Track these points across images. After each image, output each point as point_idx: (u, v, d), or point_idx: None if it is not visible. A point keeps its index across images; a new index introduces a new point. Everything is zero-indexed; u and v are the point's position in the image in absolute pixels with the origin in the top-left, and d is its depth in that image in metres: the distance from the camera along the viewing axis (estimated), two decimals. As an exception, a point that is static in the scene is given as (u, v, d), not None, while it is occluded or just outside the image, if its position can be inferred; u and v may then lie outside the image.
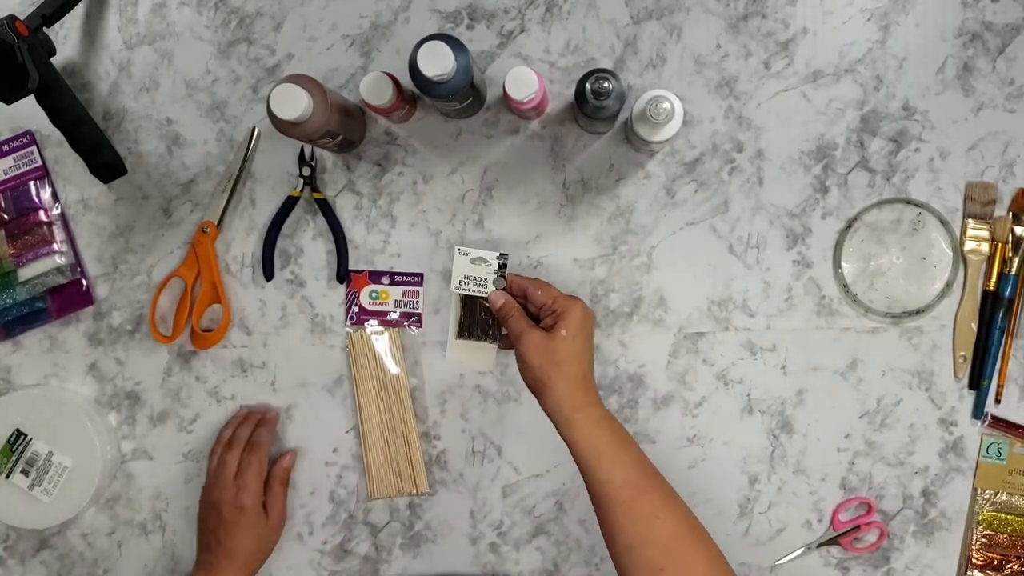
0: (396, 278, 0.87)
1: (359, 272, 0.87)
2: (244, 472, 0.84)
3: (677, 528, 0.70)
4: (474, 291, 0.80)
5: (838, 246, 0.84)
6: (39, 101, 0.82)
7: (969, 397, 0.84)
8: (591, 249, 0.86)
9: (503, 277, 0.80)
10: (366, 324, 0.88)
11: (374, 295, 0.87)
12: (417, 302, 0.87)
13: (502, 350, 0.84)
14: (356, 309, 0.87)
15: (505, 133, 0.86)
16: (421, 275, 0.87)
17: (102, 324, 0.90)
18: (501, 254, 0.80)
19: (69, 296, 0.90)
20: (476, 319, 0.83)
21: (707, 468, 0.86)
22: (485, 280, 0.80)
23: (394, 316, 0.87)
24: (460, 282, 0.80)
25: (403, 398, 0.87)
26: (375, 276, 0.87)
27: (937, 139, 0.83)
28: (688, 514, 0.72)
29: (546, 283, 0.78)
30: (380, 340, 0.88)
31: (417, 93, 0.81)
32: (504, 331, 0.79)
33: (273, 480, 0.87)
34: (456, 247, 0.80)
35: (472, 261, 0.80)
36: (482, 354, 0.83)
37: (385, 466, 0.88)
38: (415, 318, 0.87)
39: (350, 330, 0.88)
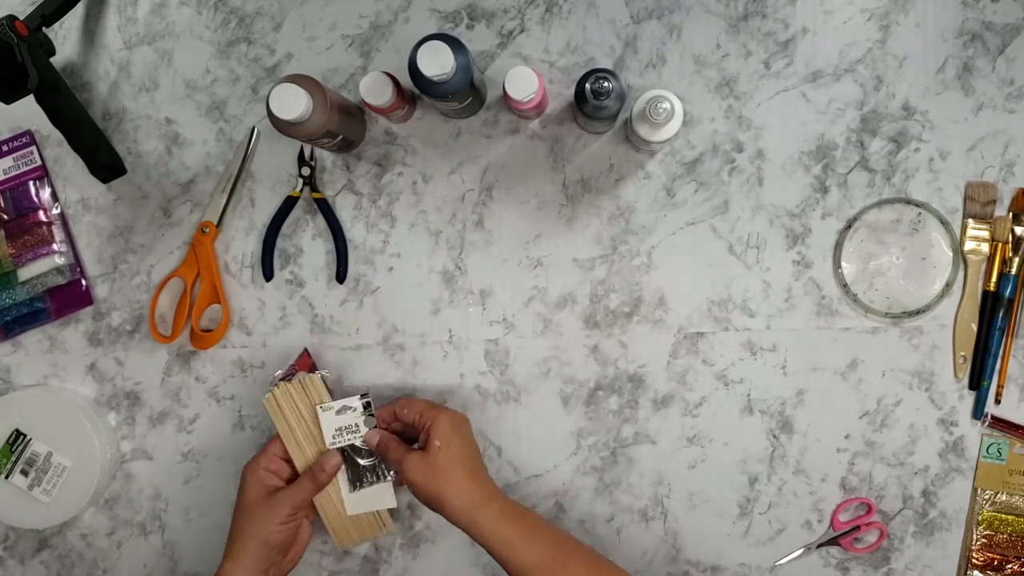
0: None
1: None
2: None
3: None
4: (351, 440, 0.81)
5: (838, 246, 0.84)
6: (39, 101, 0.82)
7: (969, 397, 0.84)
8: (591, 249, 0.86)
9: (372, 415, 0.81)
10: (274, 378, 0.83)
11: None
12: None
13: (399, 486, 0.82)
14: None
15: (505, 133, 0.86)
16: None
17: (102, 324, 0.90)
18: (362, 395, 0.81)
19: (69, 296, 0.90)
20: (360, 465, 0.82)
21: (707, 468, 0.86)
22: (357, 425, 0.81)
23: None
24: (334, 437, 0.81)
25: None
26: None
27: (937, 139, 0.83)
28: (614, 571, 0.74)
29: (410, 399, 0.81)
30: (296, 387, 0.82)
31: (417, 93, 0.81)
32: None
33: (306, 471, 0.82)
34: (317, 405, 0.81)
35: (338, 413, 0.81)
36: (382, 496, 0.83)
37: (339, 516, 0.83)
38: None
39: (271, 391, 0.82)
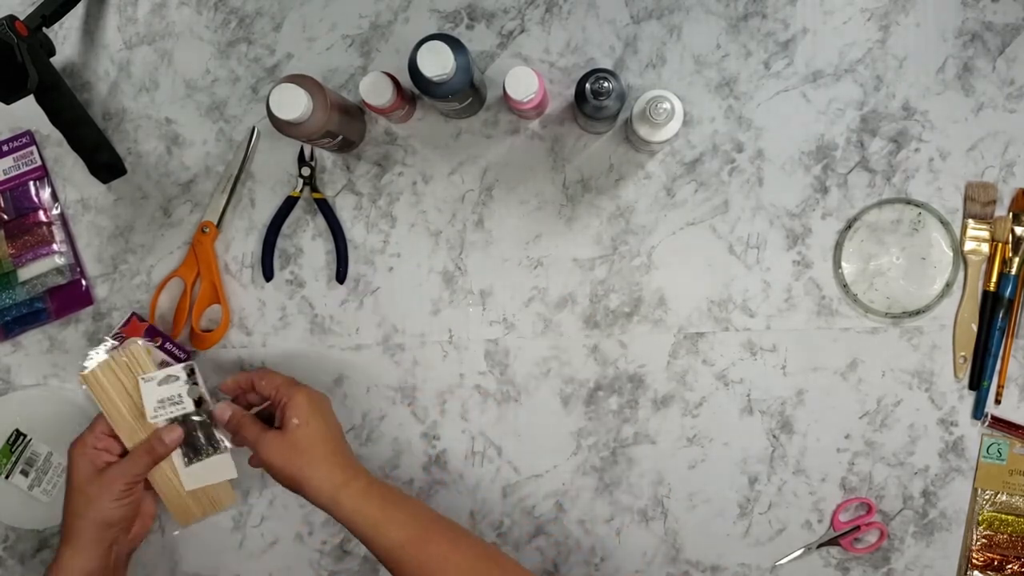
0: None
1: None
2: None
3: (471, 563, 0.71)
4: (174, 412, 0.78)
5: (838, 246, 0.84)
6: (39, 101, 0.82)
7: (969, 397, 0.84)
8: (591, 249, 0.86)
9: (196, 384, 0.78)
10: (97, 350, 0.80)
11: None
12: None
13: (236, 448, 0.80)
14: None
15: (505, 133, 0.86)
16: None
17: (102, 324, 0.90)
18: (186, 363, 0.78)
19: (69, 296, 0.90)
20: (194, 436, 0.79)
21: (707, 468, 0.86)
22: (181, 396, 0.78)
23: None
24: (156, 410, 0.78)
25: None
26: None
27: (937, 139, 0.83)
28: (478, 546, 0.73)
29: (269, 371, 0.79)
30: (119, 360, 0.79)
31: (417, 93, 0.81)
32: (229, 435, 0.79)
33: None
34: (139, 376, 0.77)
35: (160, 383, 0.78)
36: (220, 467, 0.80)
37: (177, 493, 0.81)
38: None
39: (86, 367, 0.78)
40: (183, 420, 0.79)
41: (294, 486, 0.73)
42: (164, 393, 0.78)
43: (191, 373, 0.79)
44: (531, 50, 0.86)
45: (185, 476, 0.80)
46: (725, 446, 0.86)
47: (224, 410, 0.78)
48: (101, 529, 0.75)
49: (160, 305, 0.89)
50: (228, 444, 0.81)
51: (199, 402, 0.79)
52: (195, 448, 0.80)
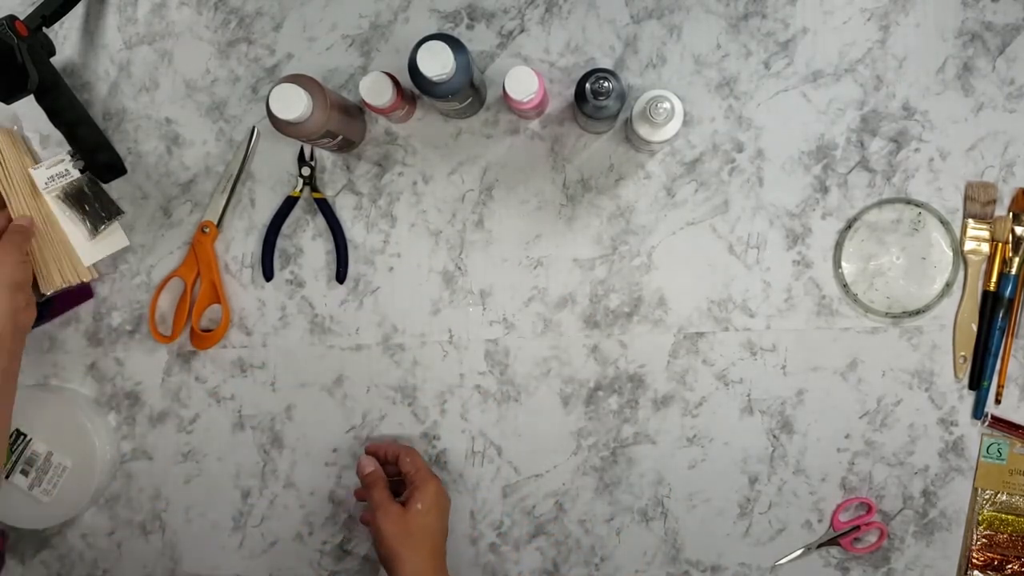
0: None
1: None
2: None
3: None
4: (63, 182, 0.84)
5: (838, 246, 0.84)
6: (39, 101, 0.82)
7: (969, 397, 0.84)
8: (591, 249, 0.86)
9: (80, 160, 0.83)
10: None
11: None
12: None
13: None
14: None
15: (505, 133, 0.86)
16: None
17: (102, 324, 0.90)
18: (68, 152, 0.84)
19: (69, 296, 0.90)
20: (91, 208, 0.85)
21: (707, 468, 0.86)
22: (67, 171, 0.84)
23: None
24: (47, 184, 0.83)
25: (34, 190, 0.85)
26: None
27: (937, 139, 0.83)
28: None
29: (416, 454, 0.83)
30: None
31: (417, 93, 0.81)
32: None
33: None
34: (28, 168, 0.84)
35: (48, 167, 0.84)
36: (116, 237, 0.87)
37: (42, 261, 0.84)
38: None
39: None
40: (77, 196, 0.84)
41: (389, 558, 0.76)
42: (53, 172, 0.84)
43: (72, 155, 0.84)
44: (531, 50, 0.86)
45: (84, 250, 0.85)
46: (725, 446, 0.86)
47: (368, 464, 0.82)
48: (11, 291, 0.77)
49: (160, 305, 0.89)
50: (118, 216, 0.86)
51: (84, 169, 0.84)
52: (97, 216, 0.85)
